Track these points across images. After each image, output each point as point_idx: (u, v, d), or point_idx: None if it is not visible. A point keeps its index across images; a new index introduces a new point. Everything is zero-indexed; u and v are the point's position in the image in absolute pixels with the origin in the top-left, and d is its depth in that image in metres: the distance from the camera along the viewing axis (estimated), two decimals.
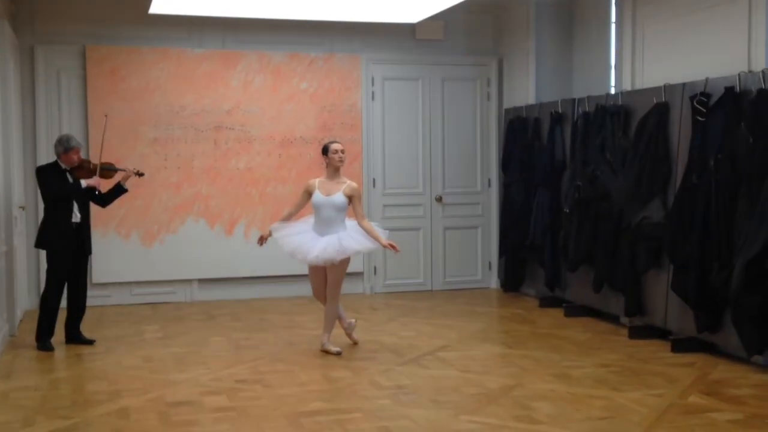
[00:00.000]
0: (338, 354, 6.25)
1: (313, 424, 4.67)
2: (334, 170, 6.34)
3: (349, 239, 6.22)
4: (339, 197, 6.23)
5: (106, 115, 7.10)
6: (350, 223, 6.36)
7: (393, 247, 6.13)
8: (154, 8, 7.77)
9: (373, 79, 9.13)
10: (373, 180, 9.11)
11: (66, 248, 6.50)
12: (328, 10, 8.11)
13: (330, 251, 6.12)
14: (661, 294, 6.58)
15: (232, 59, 8.71)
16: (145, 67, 8.46)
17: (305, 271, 7.87)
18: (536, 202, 8.29)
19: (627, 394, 5.19)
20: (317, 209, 6.28)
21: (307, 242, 6.22)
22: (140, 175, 6.89)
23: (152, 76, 8.49)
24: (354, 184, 6.35)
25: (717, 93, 5.95)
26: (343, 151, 6.36)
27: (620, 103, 7.09)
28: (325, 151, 6.38)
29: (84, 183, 6.54)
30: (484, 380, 5.53)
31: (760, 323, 5.46)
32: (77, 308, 6.71)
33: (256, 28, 8.73)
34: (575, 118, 7.71)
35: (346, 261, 6.29)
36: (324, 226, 6.24)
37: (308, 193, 6.36)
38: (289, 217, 6.49)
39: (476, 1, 7.99)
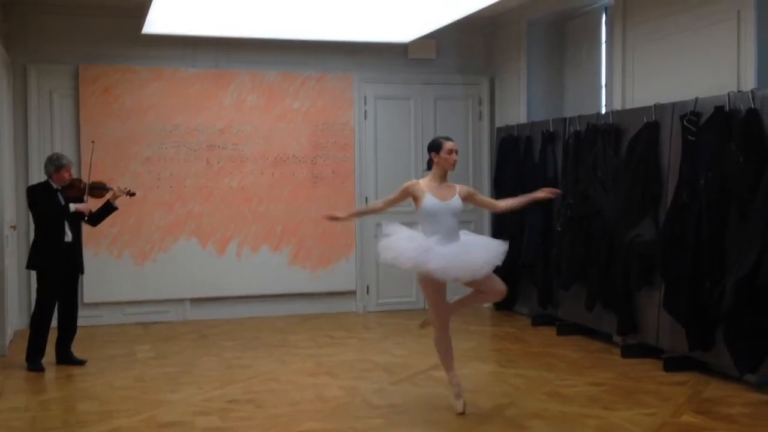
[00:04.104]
0: (460, 412, 5.20)
1: None
2: (443, 173, 5.24)
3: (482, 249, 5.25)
4: (456, 202, 5.19)
5: (93, 142, 7.13)
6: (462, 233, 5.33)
7: (552, 192, 5.46)
8: (147, 28, 7.80)
9: (365, 98, 9.17)
10: (366, 198, 9.12)
11: (57, 268, 6.48)
12: (321, 30, 8.15)
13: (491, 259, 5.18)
14: (654, 312, 6.59)
15: (225, 79, 8.73)
16: (138, 87, 8.48)
17: (298, 290, 7.84)
18: (528, 220, 8.31)
19: (620, 413, 5.19)
20: (433, 216, 5.12)
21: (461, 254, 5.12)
22: (131, 195, 6.86)
23: (145, 96, 8.50)
24: (463, 186, 5.42)
25: (707, 112, 5.98)
26: (457, 152, 5.31)
27: (611, 122, 7.13)
28: (437, 148, 5.23)
29: (73, 207, 6.50)
30: (477, 399, 5.51)
31: (752, 341, 5.47)
32: (68, 328, 6.68)
33: (249, 48, 8.76)
34: (567, 137, 7.75)
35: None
36: (445, 236, 5.11)
37: (411, 196, 5.21)
38: (371, 212, 5.66)
39: (468, 20, 8.04)
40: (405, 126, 9.28)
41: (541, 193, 5.41)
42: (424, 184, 5.20)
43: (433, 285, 5.13)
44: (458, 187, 5.28)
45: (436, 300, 5.21)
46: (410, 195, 5.20)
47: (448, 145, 5.20)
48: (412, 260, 5.03)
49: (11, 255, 7.55)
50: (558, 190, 5.41)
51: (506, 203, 5.52)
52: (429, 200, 5.11)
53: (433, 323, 5.32)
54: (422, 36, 8.56)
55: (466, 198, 5.27)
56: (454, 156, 5.21)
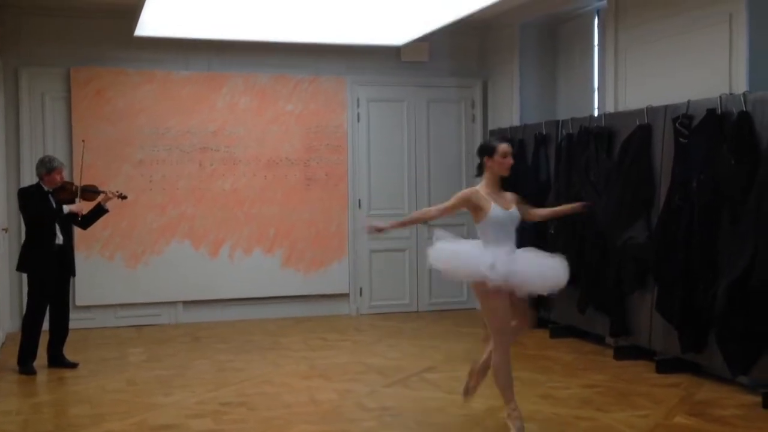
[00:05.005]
0: None
1: None
2: (496, 179, 4.83)
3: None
4: (516, 212, 4.81)
5: (83, 141, 7.12)
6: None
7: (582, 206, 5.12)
8: (140, 30, 7.79)
9: (358, 101, 9.17)
10: (359, 201, 9.13)
11: (49, 271, 6.45)
12: (314, 33, 8.15)
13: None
14: (646, 314, 6.60)
15: (218, 81, 8.72)
16: (130, 89, 8.46)
17: (290, 292, 7.78)
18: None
19: (612, 414, 5.20)
20: (498, 226, 4.73)
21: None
22: (123, 198, 6.84)
23: (138, 98, 8.49)
24: (512, 194, 4.96)
25: (699, 115, 6.00)
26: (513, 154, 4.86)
27: (603, 125, 7.15)
28: (490, 152, 4.79)
29: (66, 209, 6.49)
30: (470, 402, 5.51)
31: (745, 343, 5.48)
32: (60, 331, 6.66)
33: (242, 51, 8.75)
34: (559, 140, 7.76)
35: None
36: (510, 247, 4.75)
37: (471, 205, 4.78)
38: (420, 221, 5.32)
39: (461, 24, 8.05)
40: (398, 129, 9.29)
41: (571, 207, 5.25)
42: (484, 192, 4.77)
43: (503, 299, 4.65)
44: (513, 196, 4.90)
45: (506, 317, 4.70)
46: (470, 204, 4.76)
47: (502, 147, 4.79)
48: (486, 269, 4.59)
49: (2, 258, 7.53)
50: (586, 204, 5.18)
51: (540, 213, 5.21)
52: (495, 210, 4.70)
53: (495, 346, 4.71)
54: (415, 39, 8.56)
55: (519, 206, 4.87)
56: (509, 159, 4.81)
